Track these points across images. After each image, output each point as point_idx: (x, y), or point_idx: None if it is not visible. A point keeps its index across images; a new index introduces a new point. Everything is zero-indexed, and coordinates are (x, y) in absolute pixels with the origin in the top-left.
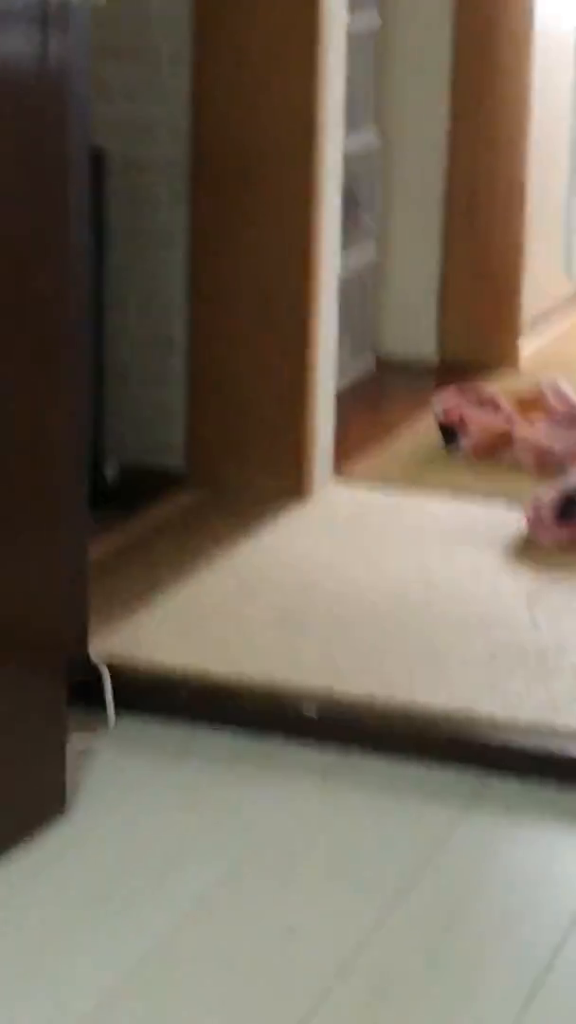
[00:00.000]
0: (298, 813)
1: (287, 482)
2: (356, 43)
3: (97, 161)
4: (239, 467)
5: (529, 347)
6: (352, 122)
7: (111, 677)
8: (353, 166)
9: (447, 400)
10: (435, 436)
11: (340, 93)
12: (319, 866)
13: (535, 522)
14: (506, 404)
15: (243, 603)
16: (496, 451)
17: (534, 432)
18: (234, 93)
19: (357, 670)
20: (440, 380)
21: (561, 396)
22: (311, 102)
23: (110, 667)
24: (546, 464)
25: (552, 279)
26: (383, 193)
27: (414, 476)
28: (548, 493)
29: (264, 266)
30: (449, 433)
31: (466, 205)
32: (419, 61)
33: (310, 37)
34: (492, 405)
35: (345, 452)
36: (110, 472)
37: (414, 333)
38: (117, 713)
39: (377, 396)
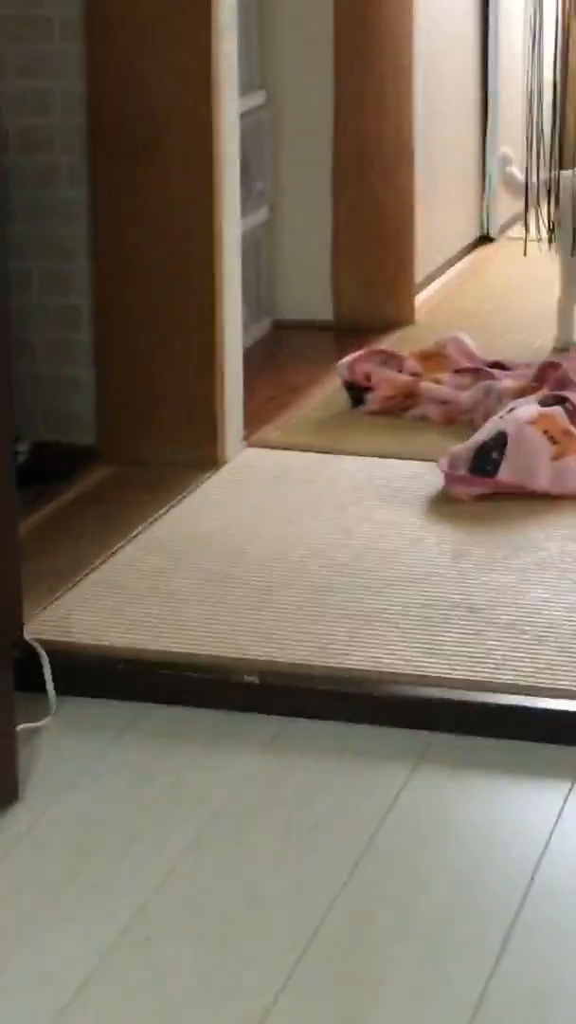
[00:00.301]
0: (249, 782)
1: (200, 451)
2: (239, 6)
3: None
4: (151, 439)
5: (424, 303)
6: (239, 86)
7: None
8: (242, 130)
9: (351, 359)
10: (341, 396)
11: (234, 56)
12: (276, 833)
13: (451, 476)
14: (410, 360)
15: (171, 576)
16: (403, 407)
17: (439, 386)
18: (129, 61)
19: (293, 635)
20: (338, 341)
21: (463, 349)
22: (207, 66)
23: (45, 649)
24: (454, 417)
25: (443, 234)
26: (272, 156)
27: (325, 437)
28: (462, 447)
29: (167, 235)
30: (355, 392)
31: (356, 165)
32: (302, 23)
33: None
34: (396, 362)
35: (252, 417)
36: (21, 451)
37: (309, 295)
38: (56, 695)
39: (278, 360)
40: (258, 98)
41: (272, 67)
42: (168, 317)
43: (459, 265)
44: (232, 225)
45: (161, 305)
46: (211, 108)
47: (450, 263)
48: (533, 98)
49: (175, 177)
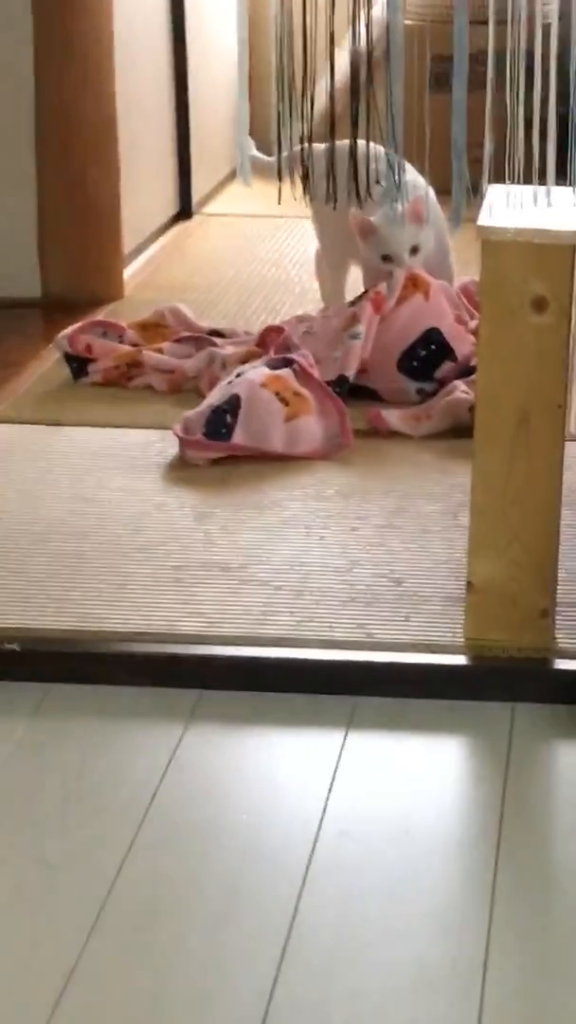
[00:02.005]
0: (20, 750)
1: None
2: None
3: None
4: None
5: (131, 278)
6: None
7: None
8: None
9: (71, 331)
10: (62, 369)
11: None
12: (55, 798)
13: (186, 441)
14: (130, 331)
15: None
16: (127, 377)
17: (162, 356)
18: None
19: (47, 603)
20: (48, 317)
21: (181, 319)
22: None
23: None
24: (179, 385)
25: (145, 209)
26: None
27: (51, 410)
28: (195, 412)
29: None
30: (77, 364)
31: (58, 141)
32: None
33: None
34: (116, 333)
35: None
36: None
37: (15, 272)
38: None
39: None
40: None
41: None
42: None
43: (161, 240)
44: None
45: None
46: None
47: (152, 238)
48: (282, 53)
49: None
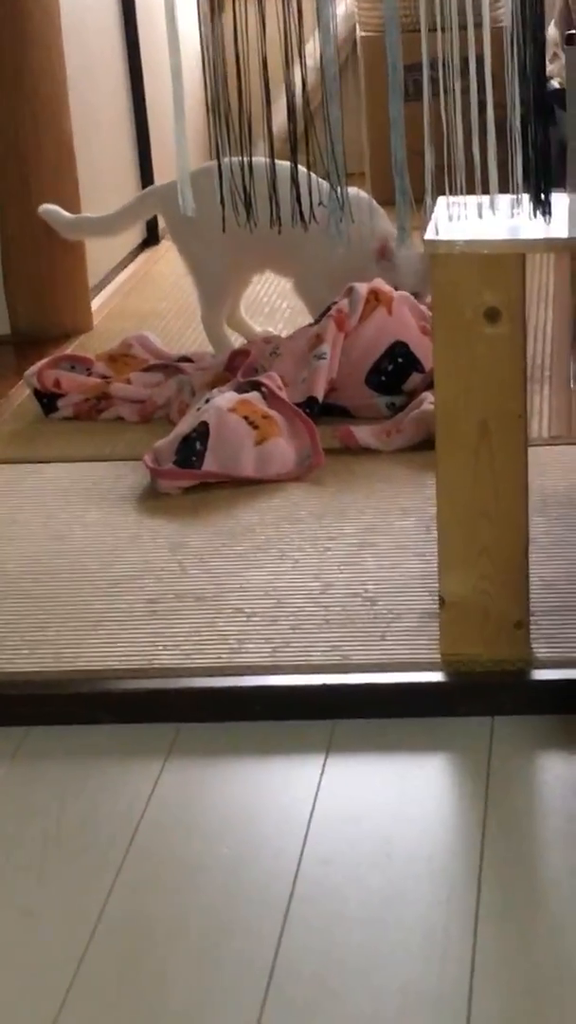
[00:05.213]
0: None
1: None
2: None
3: None
4: None
5: (100, 309)
6: None
7: None
8: None
9: (39, 367)
10: (32, 406)
11: None
12: (36, 843)
13: (157, 471)
14: (98, 363)
15: None
16: (97, 410)
17: (131, 386)
18: None
19: (21, 645)
20: (18, 353)
21: (149, 347)
22: None
23: None
24: (149, 415)
25: (110, 239)
26: None
27: (22, 447)
28: (165, 441)
29: None
30: (46, 399)
31: (18, 177)
32: None
33: None
34: (84, 366)
35: None
36: None
37: None
38: None
39: None
40: None
41: None
42: None
43: (129, 268)
44: None
45: None
46: None
47: (120, 267)
48: (216, 81)
49: None
